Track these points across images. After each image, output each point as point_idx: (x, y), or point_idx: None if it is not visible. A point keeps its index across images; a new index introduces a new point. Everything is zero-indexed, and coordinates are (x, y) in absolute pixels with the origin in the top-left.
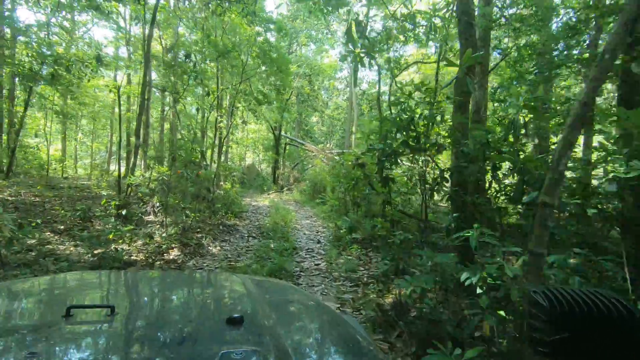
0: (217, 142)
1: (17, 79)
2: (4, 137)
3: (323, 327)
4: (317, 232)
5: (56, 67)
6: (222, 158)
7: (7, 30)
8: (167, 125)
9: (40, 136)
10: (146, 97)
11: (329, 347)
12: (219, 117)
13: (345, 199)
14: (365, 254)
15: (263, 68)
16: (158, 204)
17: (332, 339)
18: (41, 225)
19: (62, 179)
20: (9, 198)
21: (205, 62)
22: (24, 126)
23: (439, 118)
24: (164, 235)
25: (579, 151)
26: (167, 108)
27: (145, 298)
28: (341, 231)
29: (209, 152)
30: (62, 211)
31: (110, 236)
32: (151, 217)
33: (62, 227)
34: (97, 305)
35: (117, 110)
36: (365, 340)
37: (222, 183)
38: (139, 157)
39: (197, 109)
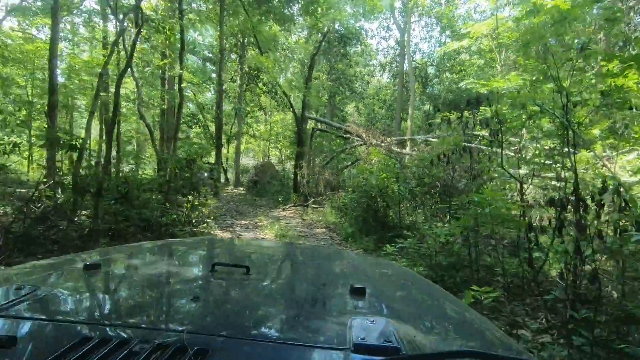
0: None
1: None
2: None
3: (437, 302)
4: None
5: None
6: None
7: None
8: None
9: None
10: None
11: (446, 320)
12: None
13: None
14: None
15: None
16: None
17: (446, 313)
18: None
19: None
20: None
21: None
22: None
23: None
24: None
25: None
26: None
27: (275, 263)
28: None
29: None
30: None
31: None
32: None
33: None
34: (235, 265)
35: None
36: (480, 316)
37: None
38: None
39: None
